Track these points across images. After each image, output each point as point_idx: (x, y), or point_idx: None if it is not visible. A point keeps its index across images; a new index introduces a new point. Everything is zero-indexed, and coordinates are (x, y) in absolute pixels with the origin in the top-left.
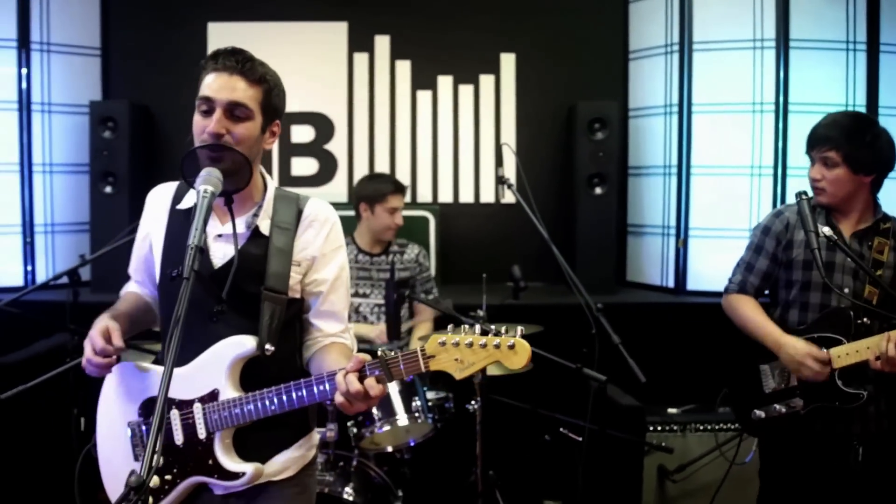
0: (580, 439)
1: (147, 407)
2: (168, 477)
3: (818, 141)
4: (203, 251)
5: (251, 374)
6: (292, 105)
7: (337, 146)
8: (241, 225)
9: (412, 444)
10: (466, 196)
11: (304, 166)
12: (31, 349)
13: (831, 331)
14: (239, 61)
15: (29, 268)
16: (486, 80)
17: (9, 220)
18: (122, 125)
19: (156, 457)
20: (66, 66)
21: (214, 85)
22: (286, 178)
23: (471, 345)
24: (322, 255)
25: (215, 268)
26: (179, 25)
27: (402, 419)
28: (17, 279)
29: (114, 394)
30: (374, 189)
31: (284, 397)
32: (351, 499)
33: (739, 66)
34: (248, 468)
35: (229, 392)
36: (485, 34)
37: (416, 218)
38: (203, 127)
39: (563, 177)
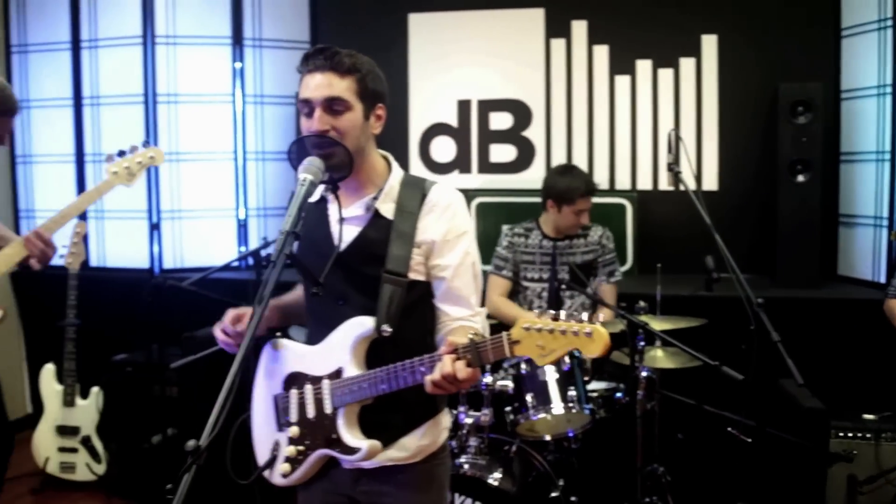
0: (749, 440)
1: (289, 381)
2: (301, 448)
3: None
4: (298, 237)
5: (378, 354)
6: (491, 92)
7: (535, 133)
8: (361, 208)
9: (571, 434)
10: (666, 183)
11: (502, 153)
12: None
13: None
14: (326, 58)
15: (242, 248)
16: (687, 63)
17: (224, 204)
18: None
19: (219, 423)
20: (277, 60)
21: (310, 86)
22: (485, 165)
23: (552, 331)
24: (444, 241)
25: (339, 251)
26: (382, 17)
27: (558, 408)
28: (233, 258)
29: (264, 369)
30: (565, 188)
31: (391, 377)
32: (497, 484)
33: None
34: (364, 444)
35: (352, 370)
36: (685, 16)
37: (613, 205)
38: (307, 128)
39: (766, 163)
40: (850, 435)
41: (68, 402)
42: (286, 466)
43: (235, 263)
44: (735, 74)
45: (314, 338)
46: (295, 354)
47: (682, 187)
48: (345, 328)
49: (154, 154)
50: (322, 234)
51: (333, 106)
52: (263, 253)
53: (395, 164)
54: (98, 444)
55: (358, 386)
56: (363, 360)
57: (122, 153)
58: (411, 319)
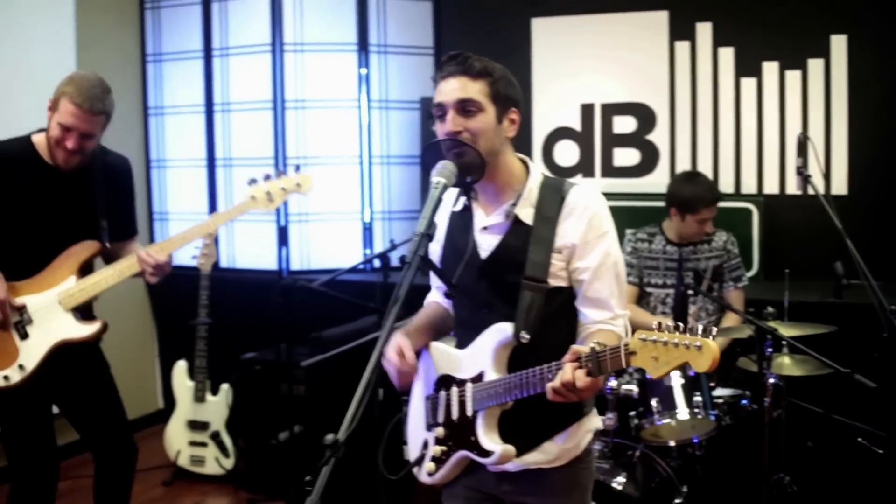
0: (881, 452)
1: (440, 383)
2: (445, 448)
3: None
4: (431, 239)
5: (520, 359)
6: (614, 96)
7: (658, 136)
8: (501, 215)
9: (695, 440)
10: (794, 187)
11: (625, 157)
12: (350, 325)
13: None
14: (458, 63)
15: (367, 251)
16: (815, 65)
17: (350, 207)
18: None
19: (356, 417)
20: (402, 66)
21: (443, 90)
22: (608, 169)
23: (666, 343)
24: (584, 243)
25: (482, 259)
26: (505, 22)
27: (683, 413)
28: (358, 261)
29: (421, 372)
30: (688, 197)
31: (523, 384)
32: (621, 488)
33: None
34: (497, 448)
35: (492, 374)
36: (813, 16)
37: (739, 210)
38: (441, 132)
39: None
40: None
41: (199, 398)
42: (431, 465)
43: (362, 266)
44: (865, 75)
45: (462, 342)
46: (446, 357)
47: (810, 191)
48: (487, 334)
49: (301, 181)
50: (465, 242)
51: (466, 107)
52: (396, 255)
53: (533, 168)
54: (227, 440)
55: (494, 390)
56: (504, 366)
57: (267, 177)
58: (555, 326)
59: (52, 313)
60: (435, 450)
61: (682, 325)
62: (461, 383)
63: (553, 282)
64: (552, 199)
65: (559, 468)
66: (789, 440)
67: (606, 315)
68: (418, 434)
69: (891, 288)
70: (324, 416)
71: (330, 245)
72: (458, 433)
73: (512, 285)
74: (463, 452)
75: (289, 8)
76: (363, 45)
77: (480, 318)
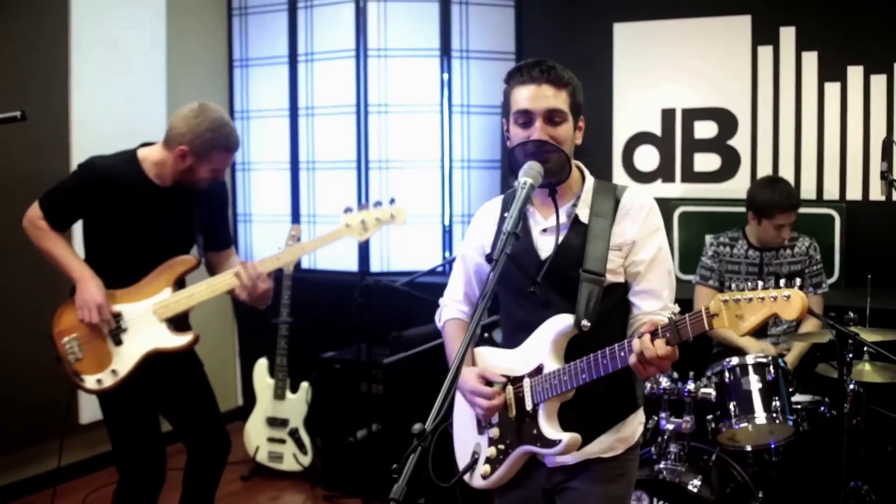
0: None
1: (489, 385)
2: (502, 447)
3: None
4: (518, 238)
5: (579, 351)
6: (695, 101)
7: (740, 142)
8: (563, 216)
9: (773, 445)
10: (877, 194)
11: (706, 162)
12: (430, 326)
13: None
14: (543, 71)
15: (447, 254)
16: None
17: (431, 210)
18: None
19: (443, 408)
20: (483, 71)
21: (529, 97)
22: (688, 174)
23: (750, 300)
24: (640, 239)
25: (542, 259)
26: (586, 27)
27: (761, 418)
28: (437, 263)
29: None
30: (764, 202)
31: (592, 366)
32: (696, 491)
33: None
34: (564, 436)
35: (552, 365)
36: None
37: (821, 216)
38: (525, 136)
39: None
40: None
41: (279, 395)
42: (486, 468)
43: (440, 268)
44: None
45: (513, 343)
46: (495, 359)
47: (894, 196)
48: (545, 326)
49: (396, 213)
50: (525, 245)
51: (554, 118)
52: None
53: (586, 172)
54: (305, 437)
55: (559, 379)
56: (563, 357)
57: (363, 206)
58: (611, 320)
59: (146, 322)
60: (489, 451)
61: (760, 282)
62: (517, 380)
63: (610, 277)
64: (605, 200)
65: (611, 458)
66: (868, 448)
67: (658, 305)
68: (467, 441)
69: None
70: (401, 416)
71: (410, 247)
72: (517, 430)
73: (572, 280)
74: (524, 448)
75: (373, 14)
76: (445, 50)
77: (538, 316)
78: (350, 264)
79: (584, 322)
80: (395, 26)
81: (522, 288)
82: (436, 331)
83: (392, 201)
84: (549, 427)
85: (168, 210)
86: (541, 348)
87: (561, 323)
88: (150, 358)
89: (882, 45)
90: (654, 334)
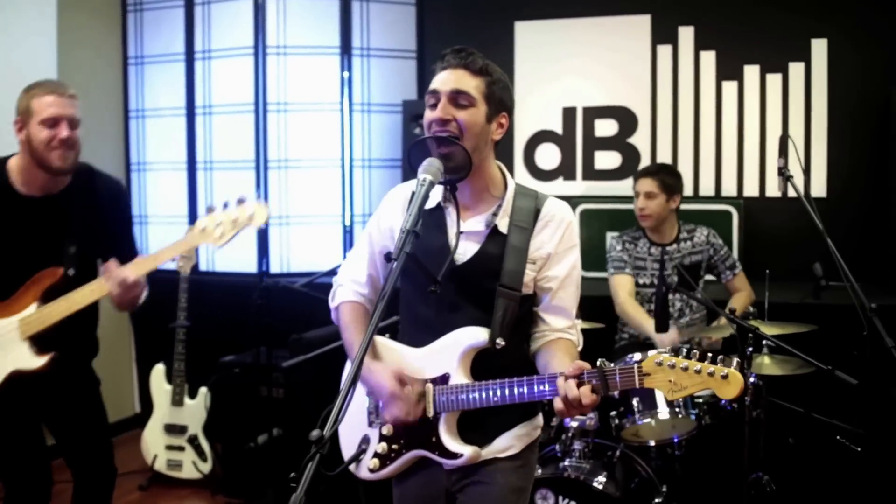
0: (858, 450)
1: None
2: (395, 446)
3: None
4: (418, 236)
5: (482, 362)
6: (596, 99)
7: (640, 139)
8: (481, 223)
9: (676, 440)
10: (773, 190)
11: (607, 160)
12: (331, 327)
13: None
14: (461, 57)
15: (348, 254)
16: (796, 68)
17: (331, 210)
18: None
19: (341, 414)
20: (384, 69)
21: (440, 79)
22: (589, 172)
23: (686, 369)
24: (556, 254)
25: (457, 263)
26: (488, 26)
27: (664, 413)
28: (338, 263)
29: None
30: (636, 172)
31: (507, 391)
32: (601, 488)
33: None
34: (466, 451)
35: (459, 378)
36: (794, 20)
37: (719, 212)
38: (430, 118)
39: (878, 169)
40: None
41: (177, 401)
42: (375, 462)
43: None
44: (845, 79)
45: (417, 341)
46: (395, 355)
47: (790, 193)
48: (456, 336)
49: (255, 213)
50: (439, 242)
51: (459, 99)
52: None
53: (509, 176)
54: (204, 443)
55: (466, 395)
56: (469, 369)
57: (226, 205)
58: (518, 332)
59: (10, 341)
60: (380, 447)
61: (698, 351)
62: (418, 384)
63: (524, 290)
64: (526, 209)
65: (511, 455)
66: (769, 439)
67: (566, 323)
68: (354, 430)
69: (870, 289)
70: (303, 419)
71: (310, 248)
72: (415, 433)
73: (487, 291)
74: (418, 451)
75: (272, 11)
76: (346, 48)
77: (446, 320)
78: (249, 266)
79: (500, 340)
80: (295, 23)
81: (427, 286)
82: (337, 332)
83: (241, 201)
84: (449, 438)
85: (37, 221)
86: (449, 357)
87: (475, 337)
88: (15, 379)
89: (777, 45)
90: (579, 378)
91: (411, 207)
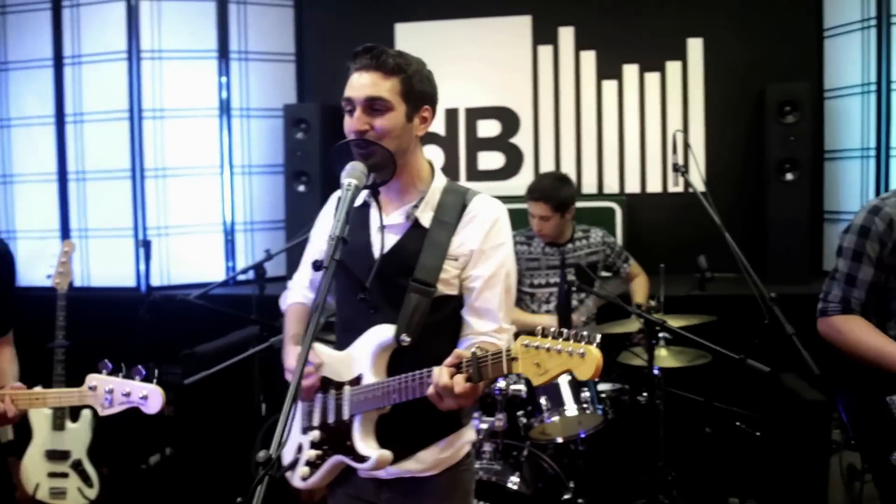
0: (758, 434)
1: (319, 385)
2: (320, 452)
3: None
4: (346, 243)
5: (401, 364)
6: (478, 100)
7: (523, 139)
8: (401, 216)
9: (583, 435)
10: (654, 186)
11: (490, 160)
12: (222, 340)
13: None
14: (372, 57)
15: (230, 264)
16: (673, 67)
17: (212, 219)
18: (313, 126)
19: (286, 433)
20: (263, 73)
21: (353, 84)
22: (473, 173)
23: (549, 350)
24: (481, 252)
25: (376, 259)
26: (368, 27)
27: (571, 410)
28: (219, 275)
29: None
30: (528, 188)
31: (401, 388)
32: (516, 488)
33: None
34: (374, 454)
35: (370, 378)
36: (671, 20)
37: (603, 209)
38: (349, 127)
39: (753, 164)
40: None
41: (58, 425)
42: (306, 470)
43: (226, 279)
44: (721, 77)
45: (344, 344)
46: (325, 359)
47: (671, 188)
48: (368, 335)
49: (149, 397)
50: (362, 240)
51: (374, 105)
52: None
53: (438, 171)
54: (90, 468)
55: (372, 394)
56: (384, 369)
57: (122, 372)
58: (440, 334)
59: None
60: (310, 454)
61: (565, 330)
62: (339, 386)
63: (443, 289)
64: (453, 205)
65: (437, 475)
66: (672, 429)
67: (492, 326)
68: (294, 437)
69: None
70: (196, 436)
71: (191, 259)
72: (334, 437)
73: (401, 288)
74: (338, 457)
75: (146, 13)
76: (223, 52)
77: (367, 320)
78: (126, 279)
79: (404, 337)
80: (170, 27)
81: (353, 288)
82: (230, 345)
83: (139, 375)
84: (361, 441)
85: None
86: (362, 357)
87: (382, 335)
88: None
89: (655, 44)
90: (457, 367)
91: (338, 213)
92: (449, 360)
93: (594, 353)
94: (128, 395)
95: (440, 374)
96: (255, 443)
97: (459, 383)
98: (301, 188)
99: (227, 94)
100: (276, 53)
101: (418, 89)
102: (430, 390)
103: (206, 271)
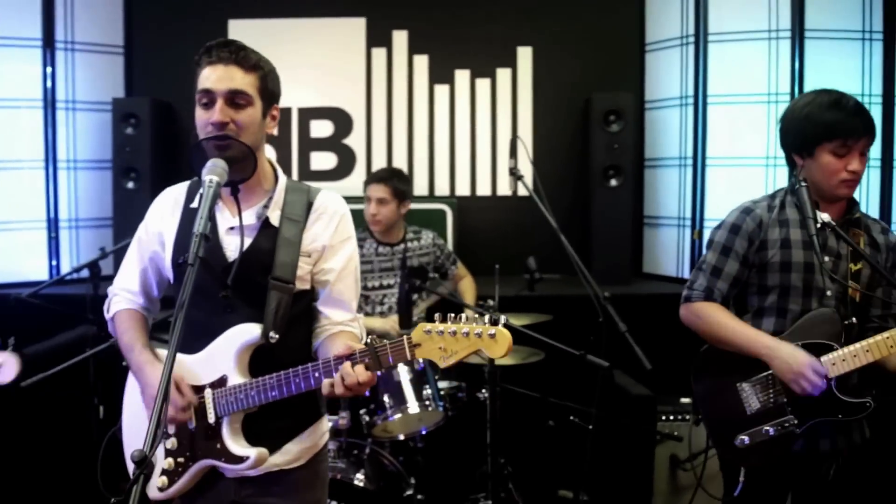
0: (590, 427)
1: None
2: (181, 459)
3: (867, 130)
4: (209, 240)
5: (262, 361)
6: (311, 100)
7: (355, 141)
8: (252, 216)
9: (424, 432)
10: (484, 189)
11: (322, 160)
12: (53, 341)
13: (821, 336)
14: (232, 52)
15: (53, 262)
16: (503, 74)
17: (34, 215)
18: (143, 121)
19: (160, 432)
20: (90, 65)
21: (213, 77)
22: (305, 173)
23: (454, 333)
24: (331, 246)
25: (228, 261)
26: (200, 23)
27: (413, 407)
28: (42, 273)
29: (134, 381)
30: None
31: (283, 384)
32: (362, 485)
33: (754, 57)
34: (251, 452)
35: (236, 378)
36: (502, 28)
37: (434, 211)
38: (206, 119)
39: (579, 169)
40: (672, 418)
41: None
42: (163, 479)
43: (50, 276)
44: (549, 85)
45: (193, 347)
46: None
47: (501, 192)
48: (229, 335)
49: None
50: (210, 244)
51: (236, 99)
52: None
53: (279, 170)
54: None
55: (245, 394)
56: (247, 368)
57: None
58: (295, 328)
59: None
60: (166, 463)
61: (465, 314)
62: (197, 390)
63: (299, 284)
64: (298, 202)
65: (298, 467)
66: (509, 425)
67: (347, 316)
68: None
69: (574, 280)
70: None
71: (12, 256)
72: (198, 442)
73: (260, 286)
74: (205, 462)
75: None
76: (49, 41)
77: (220, 321)
78: None
79: (273, 334)
80: None
81: (204, 289)
82: (60, 345)
83: None
84: (234, 442)
85: None
86: (224, 358)
87: (247, 333)
88: None
89: (487, 51)
90: (351, 358)
91: (201, 210)
92: (342, 351)
93: (505, 334)
94: None
95: (344, 369)
96: (97, 452)
97: (362, 373)
98: (130, 185)
99: (53, 84)
100: (104, 45)
101: (271, 88)
102: (325, 386)
103: (28, 269)
